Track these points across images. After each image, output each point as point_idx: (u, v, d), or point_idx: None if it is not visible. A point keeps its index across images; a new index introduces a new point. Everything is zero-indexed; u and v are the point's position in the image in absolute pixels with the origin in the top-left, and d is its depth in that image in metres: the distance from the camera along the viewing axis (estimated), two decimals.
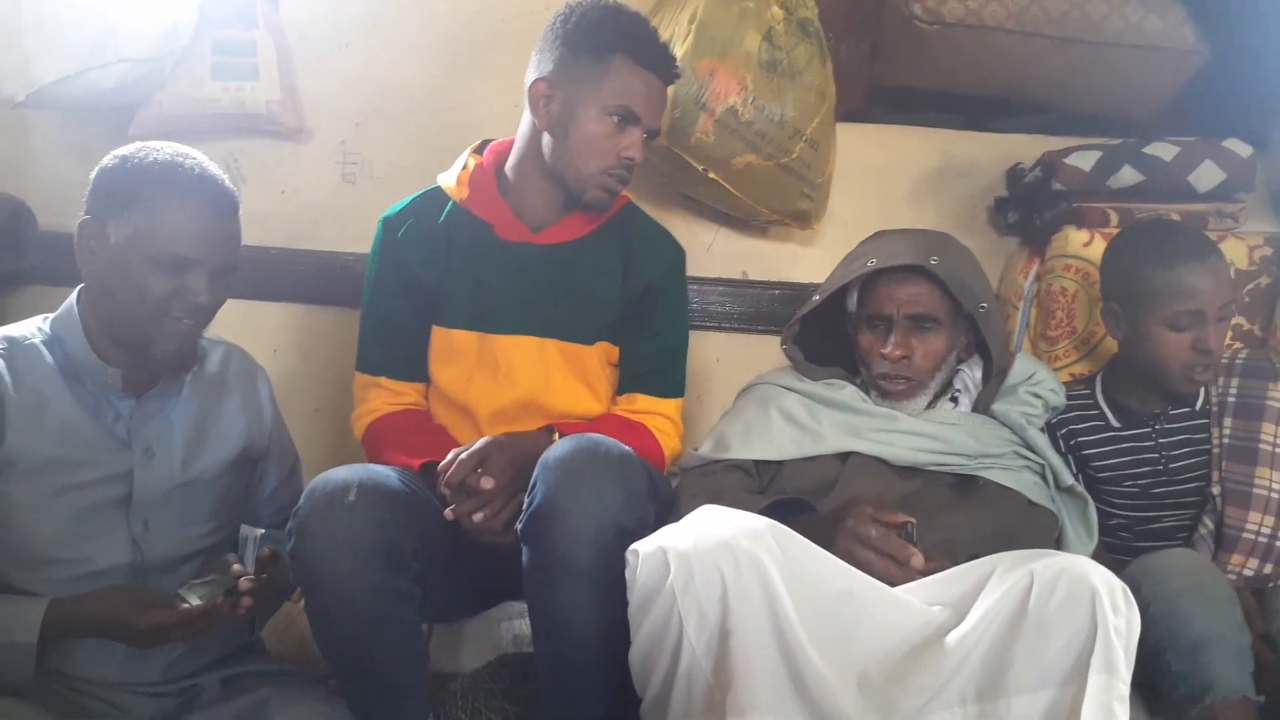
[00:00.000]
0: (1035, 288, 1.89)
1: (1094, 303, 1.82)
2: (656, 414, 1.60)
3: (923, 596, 1.20)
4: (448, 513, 1.32)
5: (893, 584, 1.20)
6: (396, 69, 2.04)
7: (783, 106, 1.79)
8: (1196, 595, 1.26)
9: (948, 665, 1.11)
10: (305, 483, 1.28)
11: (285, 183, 2.04)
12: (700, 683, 1.11)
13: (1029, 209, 1.95)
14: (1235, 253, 1.81)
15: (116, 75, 1.78)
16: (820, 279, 1.66)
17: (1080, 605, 1.08)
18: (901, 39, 1.90)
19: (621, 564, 1.15)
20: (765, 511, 1.23)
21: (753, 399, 1.62)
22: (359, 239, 1.80)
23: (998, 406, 1.55)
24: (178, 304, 1.25)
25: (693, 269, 1.72)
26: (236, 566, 1.24)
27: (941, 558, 1.28)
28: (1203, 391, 1.62)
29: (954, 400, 1.57)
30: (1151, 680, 1.28)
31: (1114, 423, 1.63)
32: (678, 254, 1.67)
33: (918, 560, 1.20)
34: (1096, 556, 1.26)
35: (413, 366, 1.59)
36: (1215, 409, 1.60)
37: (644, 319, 1.61)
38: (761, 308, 2.04)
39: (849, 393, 1.55)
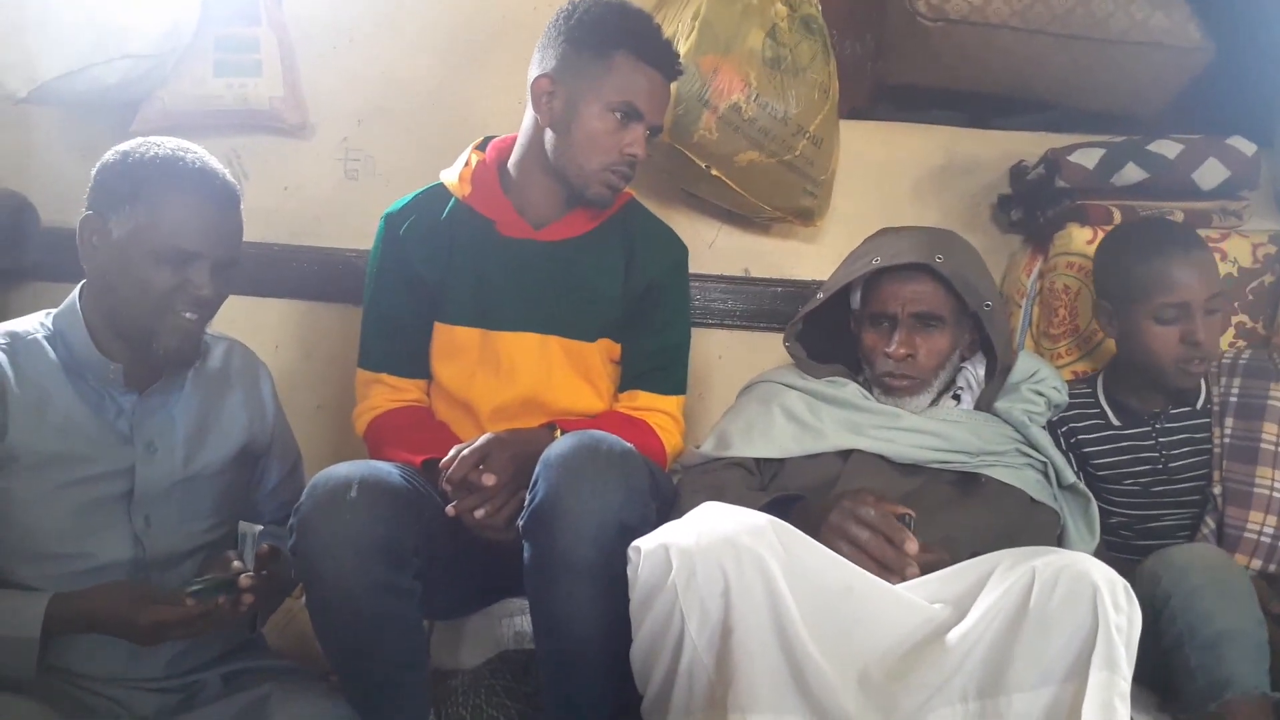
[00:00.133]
0: (1038, 285, 1.89)
1: (1096, 300, 1.81)
2: (658, 411, 1.60)
3: (924, 594, 1.19)
4: (449, 509, 1.32)
5: (885, 565, 1.19)
6: (399, 66, 2.04)
7: (786, 103, 1.79)
8: (1216, 590, 1.27)
9: (949, 662, 1.11)
10: (307, 479, 1.28)
11: (288, 179, 2.04)
12: (702, 679, 1.11)
13: (1032, 207, 1.94)
14: (1239, 250, 1.81)
15: (119, 71, 1.78)
16: (823, 276, 1.65)
17: (1081, 602, 1.08)
18: (905, 36, 1.90)
19: (623, 561, 1.15)
20: (765, 508, 1.22)
21: (754, 397, 1.62)
22: (361, 235, 1.80)
23: (1000, 404, 1.55)
24: (180, 298, 1.25)
25: (695, 266, 1.71)
26: (236, 564, 1.24)
27: (941, 551, 1.28)
28: (1204, 391, 1.61)
29: (956, 398, 1.57)
30: (1168, 674, 1.29)
31: (1115, 421, 1.63)
32: (680, 251, 1.66)
33: (912, 545, 1.19)
34: (1098, 555, 1.25)
35: (415, 363, 1.59)
36: (1216, 409, 1.59)
37: (646, 316, 1.61)
38: (764, 305, 2.04)
39: (851, 390, 1.55)
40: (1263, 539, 1.52)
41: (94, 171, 1.27)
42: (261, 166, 2.03)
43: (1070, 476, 1.52)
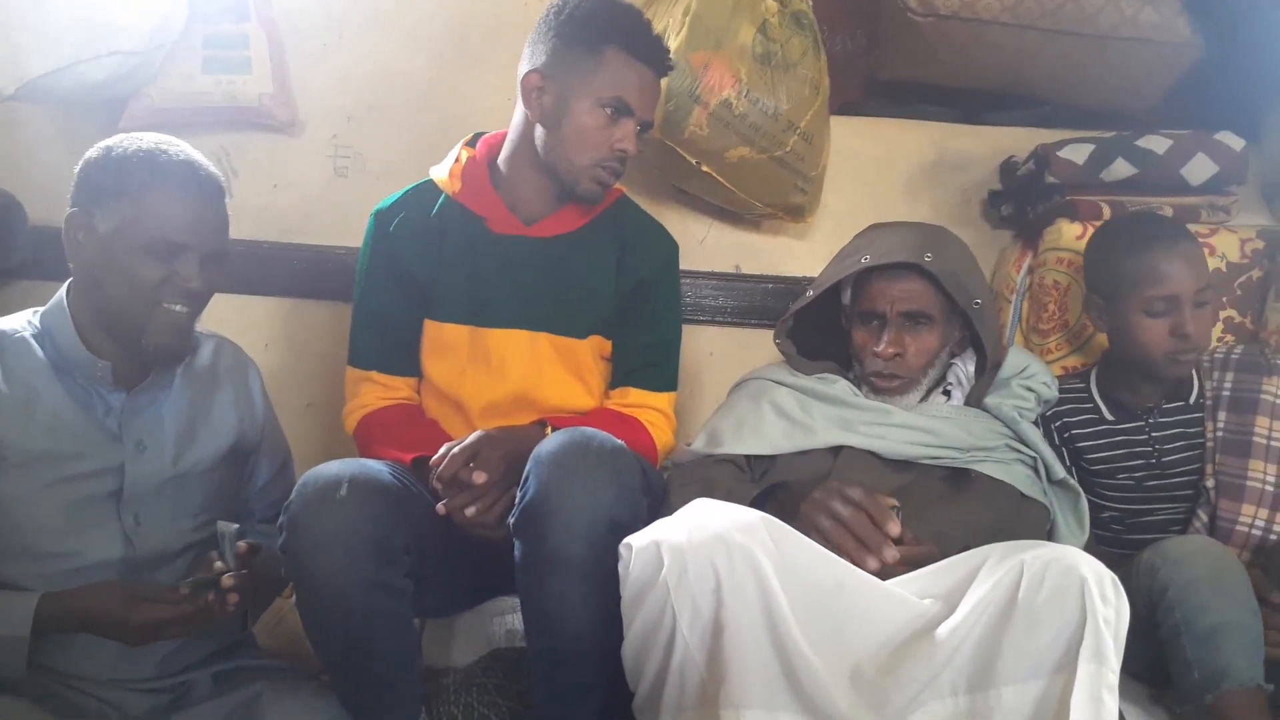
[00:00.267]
0: (1028, 281, 1.89)
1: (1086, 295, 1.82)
2: (649, 408, 1.60)
3: (914, 589, 1.20)
4: (440, 507, 1.32)
5: (864, 543, 1.18)
6: (389, 62, 2.03)
7: (777, 99, 1.79)
8: (1213, 582, 1.28)
9: (939, 657, 1.12)
10: (297, 477, 1.28)
11: (277, 176, 2.03)
12: (693, 676, 1.11)
13: (1022, 202, 1.95)
14: (1227, 245, 1.82)
15: (107, 68, 1.77)
16: (814, 272, 1.66)
17: (1069, 595, 1.09)
18: (896, 32, 1.90)
19: (614, 558, 1.15)
20: (756, 499, 1.22)
21: (745, 394, 1.62)
22: (351, 233, 1.80)
23: (990, 400, 1.55)
24: (169, 291, 1.25)
25: (686, 263, 1.71)
26: (218, 564, 1.23)
27: (930, 546, 1.28)
28: (1196, 385, 1.62)
29: (947, 394, 1.57)
30: (1164, 665, 1.30)
31: (1108, 416, 1.63)
32: (671, 248, 1.66)
33: (894, 527, 1.19)
34: (1088, 549, 1.26)
35: (405, 360, 1.58)
36: (1209, 403, 1.60)
37: (637, 313, 1.61)
38: (755, 301, 2.04)
39: (841, 387, 1.55)
40: (1254, 531, 1.53)
41: (77, 169, 1.27)
42: (251, 164, 2.02)
43: (1060, 472, 1.52)
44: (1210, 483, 1.56)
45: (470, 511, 1.30)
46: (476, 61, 2.03)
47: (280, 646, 1.54)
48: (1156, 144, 1.80)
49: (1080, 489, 1.52)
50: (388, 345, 1.58)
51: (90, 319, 1.27)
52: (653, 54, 1.52)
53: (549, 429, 1.41)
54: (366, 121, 2.03)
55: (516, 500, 1.25)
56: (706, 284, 2.04)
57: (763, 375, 1.63)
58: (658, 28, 1.63)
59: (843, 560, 1.18)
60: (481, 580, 1.48)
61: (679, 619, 1.10)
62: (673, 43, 1.72)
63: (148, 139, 1.27)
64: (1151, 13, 1.81)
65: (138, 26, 1.77)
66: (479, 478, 1.29)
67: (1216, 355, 1.63)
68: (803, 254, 2.05)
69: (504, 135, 1.60)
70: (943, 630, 1.13)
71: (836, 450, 1.49)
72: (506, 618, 1.51)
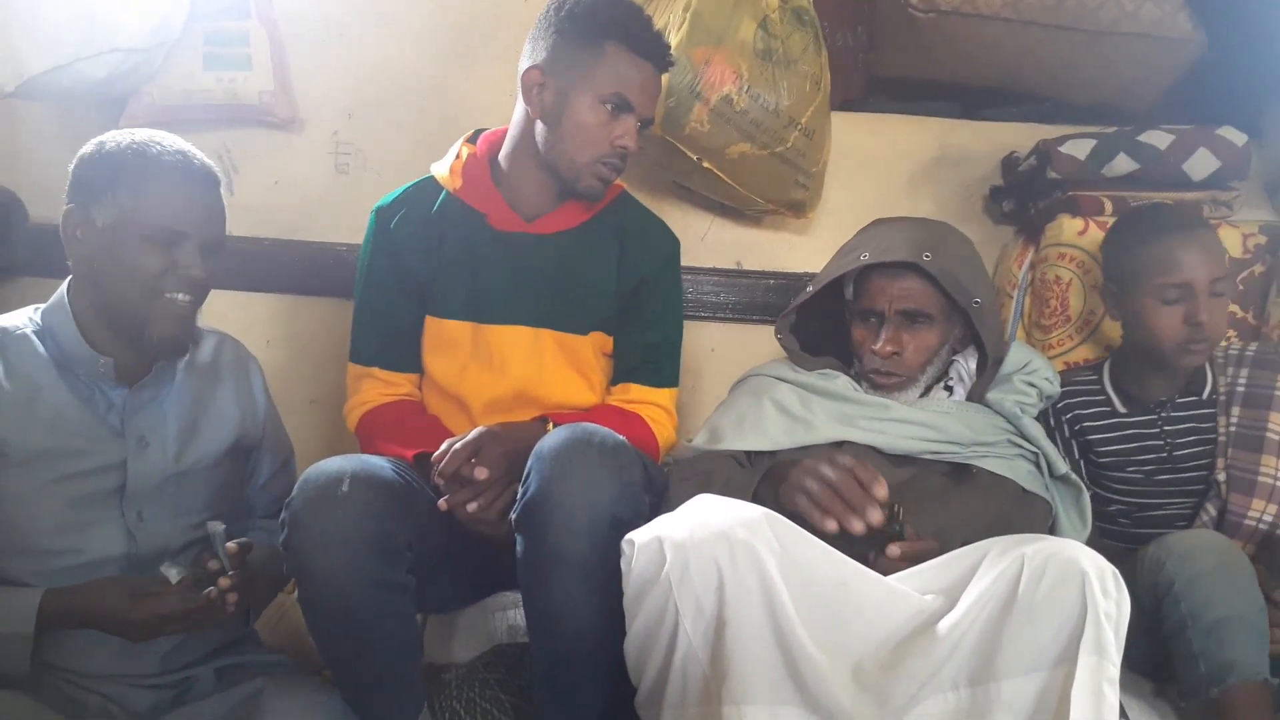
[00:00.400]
0: (1030, 276, 1.89)
1: (1089, 291, 1.82)
2: (651, 404, 1.60)
3: (915, 585, 1.20)
4: (442, 503, 1.32)
5: (850, 504, 1.17)
6: (389, 59, 2.03)
7: (778, 95, 1.79)
8: (1219, 575, 1.29)
9: (940, 651, 1.12)
10: (299, 473, 1.28)
11: (278, 173, 2.03)
12: (696, 672, 1.11)
13: (1024, 198, 1.95)
14: (1229, 241, 1.82)
15: (107, 66, 1.77)
16: (815, 268, 1.66)
17: (1070, 589, 1.09)
18: (897, 27, 1.90)
19: (616, 554, 1.15)
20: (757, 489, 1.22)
21: (746, 390, 1.62)
22: (352, 230, 1.80)
23: (992, 395, 1.55)
24: (171, 280, 1.25)
25: (687, 259, 1.71)
26: (213, 564, 1.23)
27: (930, 540, 1.28)
28: (1210, 380, 1.62)
29: (949, 390, 1.57)
30: (1170, 659, 1.31)
31: (1120, 408, 1.64)
32: (673, 245, 1.66)
33: (880, 489, 1.18)
34: (1091, 543, 1.26)
35: (406, 357, 1.58)
36: (1223, 398, 1.60)
37: (639, 309, 1.61)
38: (756, 298, 2.04)
39: (842, 383, 1.55)
40: (1261, 526, 1.53)
41: (71, 166, 1.27)
42: (251, 161, 2.02)
43: (1062, 467, 1.52)
44: (1221, 477, 1.57)
45: (472, 507, 1.30)
46: (477, 58, 2.03)
47: (283, 642, 1.54)
48: (1158, 139, 1.80)
49: (1082, 484, 1.52)
50: (389, 342, 1.58)
51: (92, 315, 1.27)
52: (653, 50, 1.52)
53: (551, 425, 1.41)
54: (367, 118, 2.03)
55: (518, 496, 1.24)
56: (707, 280, 2.04)
57: (764, 372, 1.63)
58: (658, 24, 1.63)
59: (845, 557, 1.18)
60: (483, 576, 1.49)
61: (681, 615, 1.10)
62: (673, 39, 1.72)
63: (139, 133, 1.28)
64: (1153, 8, 1.81)
65: (138, 24, 1.77)
66: (481, 474, 1.29)
67: (1230, 351, 1.63)
68: (804, 250, 2.05)
69: (505, 132, 1.60)
70: (944, 625, 1.13)
71: (838, 446, 1.49)
72: (508, 613, 1.51)
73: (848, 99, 2.04)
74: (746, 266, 2.06)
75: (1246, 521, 1.53)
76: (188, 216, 1.25)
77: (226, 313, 1.73)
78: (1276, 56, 1.83)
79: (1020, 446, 1.52)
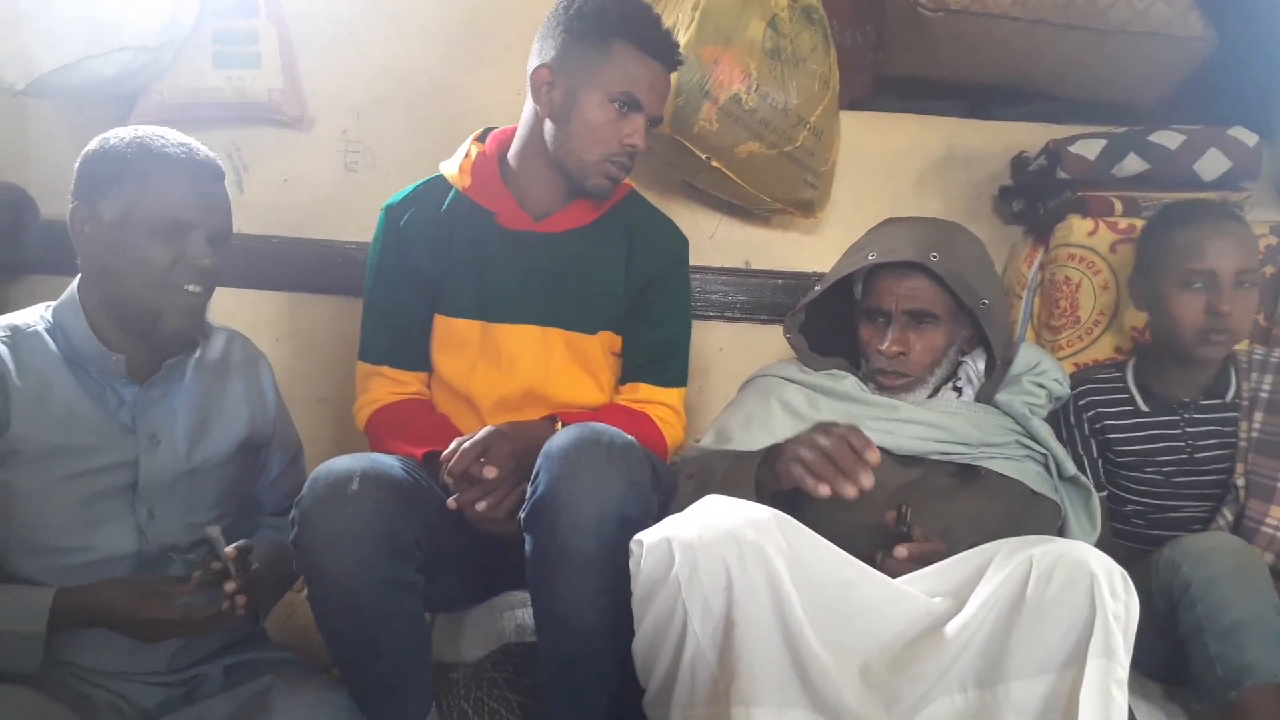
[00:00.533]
0: (1039, 277, 1.88)
1: (1099, 292, 1.82)
2: (659, 403, 1.60)
3: (923, 586, 1.20)
4: (451, 502, 1.32)
5: (842, 470, 1.17)
6: (399, 57, 2.03)
7: (786, 94, 1.78)
8: (1235, 578, 1.28)
9: (948, 653, 1.12)
10: (308, 471, 1.28)
11: (287, 171, 2.03)
12: (704, 673, 1.11)
13: (1033, 198, 1.94)
14: None
15: (117, 64, 1.77)
16: (823, 268, 1.65)
17: (1078, 590, 1.09)
18: (906, 26, 1.89)
19: (624, 554, 1.15)
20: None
21: (754, 391, 1.62)
22: (361, 228, 1.80)
23: (1000, 396, 1.55)
24: (182, 271, 1.25)
25: (695, 258, 1.71)
26: (215, 564, 1.22)
27: (938, 541, 1.28)
28: (1234, 383, 1.61)
29: (957, 390, 1.57)
30: (1185, 662, 1.30)
31: (1143, 407, 1.63)
32: (681, 244, 1.66)
33: (873, 455, 1.17)
34: (1103, 544, 1.26)
35: (415, 355, 1.58)
36: (1246, 403, 1.59)
37: (647, 308, 1.61)
38: (764, 297, 2.04)
39: (850, 384, 1.55)
40: (1279, 534, 1.52)
41: (76, 164, 1.28)
42: (260, 159, 2.02)
43: (1071, 468, 1.52)
44: (1240, 481, 1.56)
45: (481, 506, 1.30)
46: (486, 56, 2.03)
47: (291, 640, 1.54)
48: (1169, 139, 1.80)
49: (1091, 486, 1.52)
50: (398, 340, 1.58)
51: (103, 312, 1.28)
52: (662, 49, 1.52)
53: (559, 424, 1.41)
54: (376, 116, 2.04)
55: (527, 495, 1.25)
56: (716, 279, 2.04)
57: (771, 372, 1.63)
58: (667, 22, 1.62)
59: (853, 558, 1.18)
60: (491, 575, 1.49)
61: (690, 616, 1.10)
62: (682, 38, 1.72)
63: (143, 129, 1.29)
64: (1163, 7, 1.81)
65: (147, 22, 1.77)
66: (490, 473, 1.29)
67: (1254, 356, 1.62)
68: (812, 249, 2.04)
69: (514, 130, 1.60)
70: (952, 626, 1.13)
71: None
72: (516, 612, 1.51)
73: (857, 98, 2.04)
74: (755, 266, 2.06)
75: (1264, 528, 1.52)
76: (194, 207, 1.26)
77: (235, 310, 1.73)
78: None
79: (1029, 448, 1.52)
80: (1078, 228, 1.81)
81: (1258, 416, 1.58)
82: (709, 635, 1.10)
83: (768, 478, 1.30)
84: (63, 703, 1.17)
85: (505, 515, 1.32)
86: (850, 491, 1.15)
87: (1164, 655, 1.33)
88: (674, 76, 1.61)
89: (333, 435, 1.95)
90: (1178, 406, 1.61)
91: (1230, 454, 1.58)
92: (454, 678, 1.48)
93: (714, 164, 1.81)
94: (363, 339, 1.60)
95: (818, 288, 1.58)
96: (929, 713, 1.12)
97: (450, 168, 1.60)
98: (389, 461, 1.31)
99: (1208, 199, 1.73)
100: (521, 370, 1.54)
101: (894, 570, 1.23)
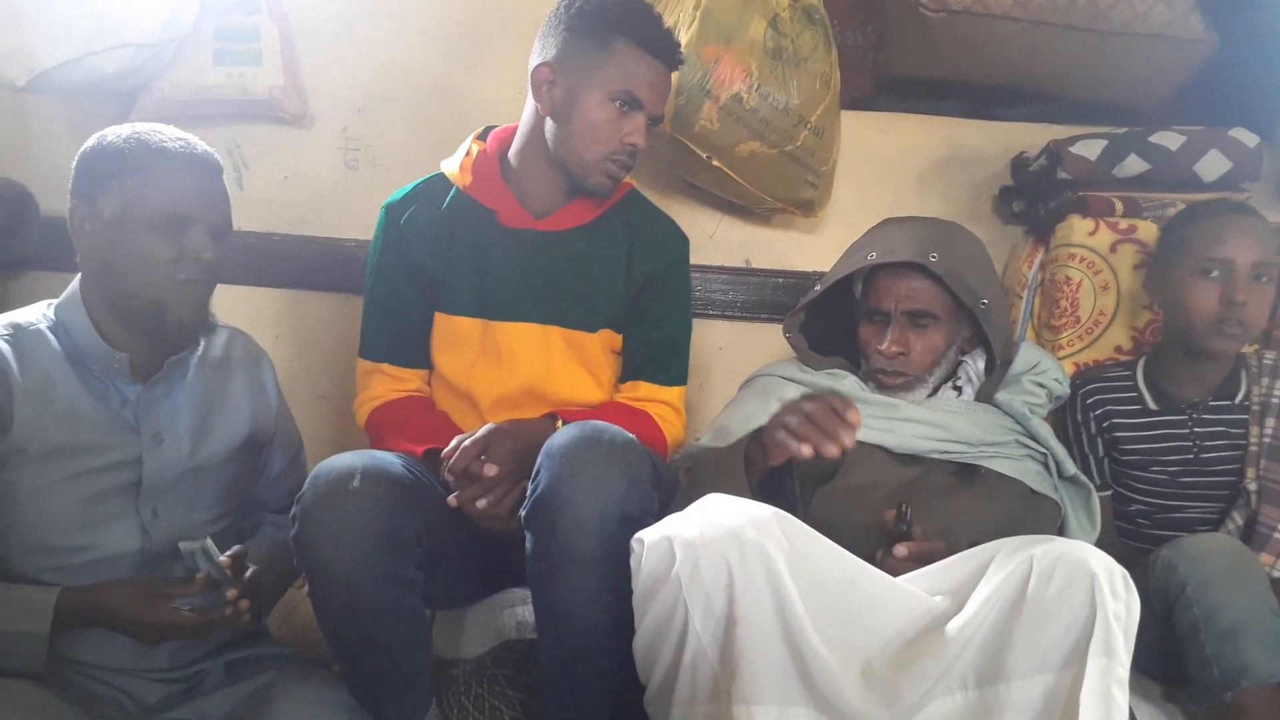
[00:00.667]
0: (1040, 277, 1.89)
1: (1099, 292, 1.82)
2: (659, 402, 1.60)
3: (923, 585, 1.20)
4: (451, 499, 1.32)
5: (825, 432, 1.19)
6: (400, 55, 2.03)
7: (787, 94, 1.78)
8: (1232, 579, 1.28)
9: (949, 652, 1.12)
10: (309, 468, 1.28)
11: (288, 169, 2.03)
12: (705, 671, 1.12)
13: (1034, 198, 1.94)
14: None
15: (118, 61, 1.77)
16: (824, 267, 1.65)
17: (1079, 590, 1.09)
18: (907, 26, 1.90)
19: (625, 551, 1.15)
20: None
21: (754, 390, 1.62)
22: (361, 225, 1.80)
23: (1000, 396, 1.55)
24: (185, 266, 1.25)
25: (696, 257, 1.71)
26: (200, 575, 1.21)
27: (938, 540, 1.28)
28: (1244, 385, 1.61)
29: (957, 390, 1.57)
30: (1182, 663, 1.30)
31: (1151, 405, 1.63)
32: (682, 243, 1.66)
33: (855, 415, 1.20)
34: (1102, 545, 1.26)
35: (415, 353, 1.58)
36: (1257, 408, 1.59)
37: (647, 307, 1.61)
38: (765, 296, 2.04)
39: (850, 383, 1.55)
40: None
41: (74, 163, 1.28)
42: (261, 156, 2.02)
43: (1071, 468, 1.52)
44: (1253, 486, 1.55)
45: (481, 504, 1.31)
46: (487, 55, 2.03)
47: (292, 636, 1.54)
48: (1170, 140, 1.80)
49: (1091, 486, 1.52)
50: (398, 338, 1.58)
51: (105, 309, 1.28)
52: (663, 48, 1.52)
53: (559, 422, 1.41)
54: (377, 114, 2.04)
55: (528, 493, 1.25)
56: (716, 278, 2.04)
57: (771, 372, 1.63)
58: (668, 21, 1.63)
59: (854, 556, 1.19)
60: (492, 573, 1.49)
61: (691, 614, 1.10)
62: (683, 37, 1.72)
63: (140, 125, 1.29)
64: (1164, 9, 1.81)
65: (149, 19, 1.77)
66: (490, 470, 1.30)
67: (1266, 362, 1.62)
68: (813, 248, 2.04)
69: (515, 129, 1.60)
70: (953, 625, 1.13)
71: None
72: (517, 609, 1.51)
73: (857, 98, 2.04)
74: (755, 265, 2.06)
75: (1277, 535, 1.51)
76: (194, 201, 1.26)
77: (235, 307, 1.73)
78: None
79: (1029, 447, 1.52)
80: (1078, 228, 1.81)
81: (1269, 422, 1.58)
82: (710, 633, 1.10)
83: (756, 454, 1.31)
84: (67, 699, 1.18)
85: (506, 513, 1.32)
86: (831, 450, 1.18)
87: (1161, 655, 1.33)
88: (675, 76, 1.61)
89: (333, 432, 1.95)
90: (1186, 406, 1.62)
91: (1238, 456, 1.58)
92: (454, 674, 1.48)
93: (715, 163, 1.81)
94: (363, 336, 1.60)
95: (818, 288, 1.58)
96: (930, 711, 1.12)
97: (451, 166, 1.60)
98: (389, 459, 1.31)
99: (1229, 198, 1.73)
100: (522, 368, 1.54)
101: (894, 569, 1.24)
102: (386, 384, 1.57)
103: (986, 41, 1.85)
